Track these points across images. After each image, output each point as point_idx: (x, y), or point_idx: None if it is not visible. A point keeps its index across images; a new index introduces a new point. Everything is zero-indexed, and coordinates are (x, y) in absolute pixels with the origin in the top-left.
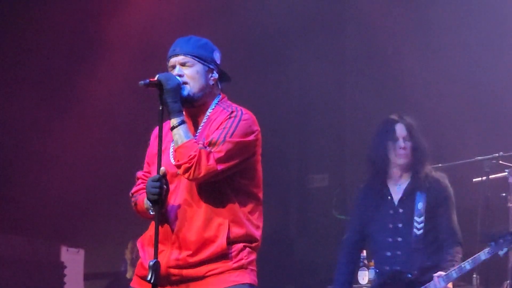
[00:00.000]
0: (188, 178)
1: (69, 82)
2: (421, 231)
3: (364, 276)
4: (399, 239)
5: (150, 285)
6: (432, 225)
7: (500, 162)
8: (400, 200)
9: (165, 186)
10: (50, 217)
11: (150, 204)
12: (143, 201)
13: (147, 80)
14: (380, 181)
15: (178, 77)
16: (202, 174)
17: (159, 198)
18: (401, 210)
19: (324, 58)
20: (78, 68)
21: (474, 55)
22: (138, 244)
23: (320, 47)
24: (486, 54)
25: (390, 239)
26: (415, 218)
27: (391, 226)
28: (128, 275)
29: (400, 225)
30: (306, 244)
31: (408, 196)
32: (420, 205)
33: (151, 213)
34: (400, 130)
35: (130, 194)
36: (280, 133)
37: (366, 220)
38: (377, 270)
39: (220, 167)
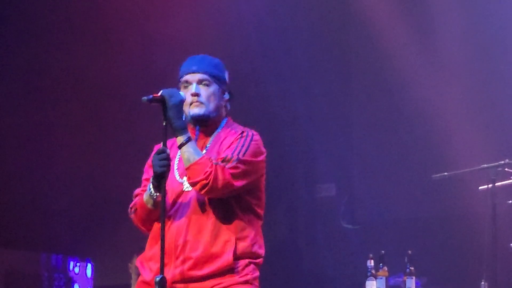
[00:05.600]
0: (205, 195)
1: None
2: None
3: (372, 286)
4: None
5: None
6: None
7: (506, 169)
8: None
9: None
10: (58, 231)
11: (152, 188)
12: (143, 199)
13: (151, 96)
14: None
15: (194, 95)
16: (219, 189)
17: (167, 169)
18: None
19: (329, 65)
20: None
21: (479, 61)
22: (137, 263)
23: (325, 54)
24: (492, 60)
25: None
26: None
27: None
28: None
29: None
30: (314, 253)
31: None
32: None
33: (153, 200)
34: None
35: (129, 209)
36: (287, 143)
37: None
38: None
39: (236, 183)
